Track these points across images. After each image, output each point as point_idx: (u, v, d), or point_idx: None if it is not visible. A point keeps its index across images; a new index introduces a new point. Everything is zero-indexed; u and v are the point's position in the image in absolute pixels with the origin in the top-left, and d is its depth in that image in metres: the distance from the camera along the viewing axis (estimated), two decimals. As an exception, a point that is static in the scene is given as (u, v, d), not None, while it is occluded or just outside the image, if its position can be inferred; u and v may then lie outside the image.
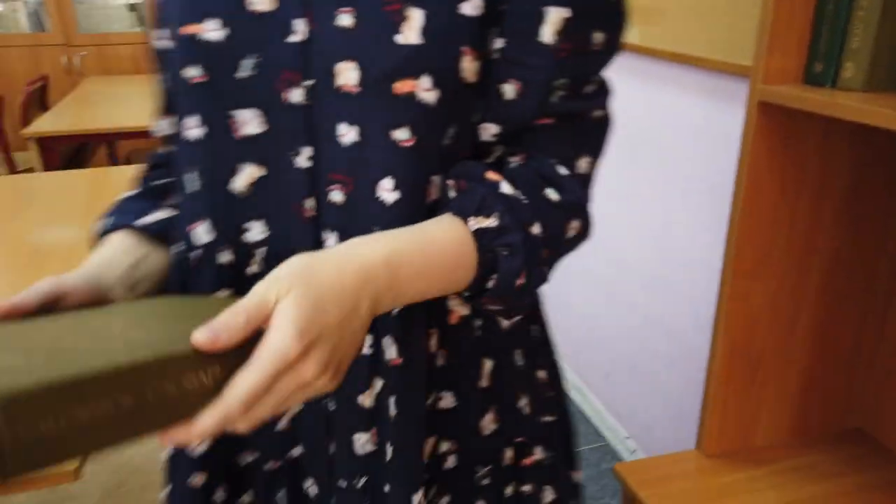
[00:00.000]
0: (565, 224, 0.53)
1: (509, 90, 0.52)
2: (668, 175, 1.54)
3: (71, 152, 2.84)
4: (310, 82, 0.50)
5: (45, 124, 2.40)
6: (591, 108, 0.54)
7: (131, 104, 2.80)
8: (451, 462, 0.61)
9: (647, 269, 1.67)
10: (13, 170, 2.77)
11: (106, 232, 0.59)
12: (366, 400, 0.56)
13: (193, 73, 0.52)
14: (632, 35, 1.56)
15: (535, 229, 0.50)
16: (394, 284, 0.46)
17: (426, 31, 0.48)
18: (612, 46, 0.53)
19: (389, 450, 0.56)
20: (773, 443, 1.10)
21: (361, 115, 0.50)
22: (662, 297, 1.63)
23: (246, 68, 0.50)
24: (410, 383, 0.55)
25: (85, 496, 1.61)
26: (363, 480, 0.58)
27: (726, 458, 1.07)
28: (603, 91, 0.56)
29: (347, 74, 0.49)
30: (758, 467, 1.05)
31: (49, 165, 2.31)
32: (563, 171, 0.53)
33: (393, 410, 0.55)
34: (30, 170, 2.97)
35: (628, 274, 1.75)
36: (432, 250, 0.48)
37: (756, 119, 0.88)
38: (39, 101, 3.24)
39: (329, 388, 0.43)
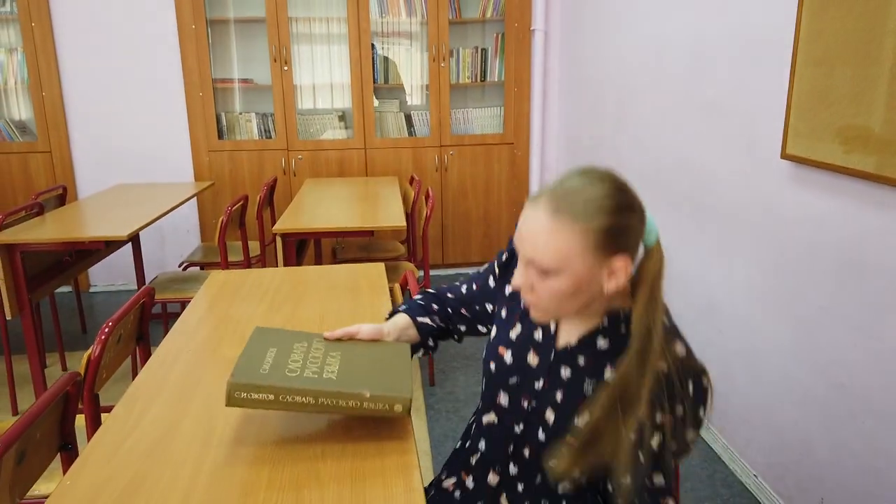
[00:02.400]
0: None
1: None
2: (907, 301, 1.53)
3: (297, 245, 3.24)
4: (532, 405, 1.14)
5: (286, 222, 2.79)
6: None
7: (339, 206, 3.17)
8: None
9: (875, 397, 1.63)
10: (249, 258, 3.20)
11: (398, 311, 1.37)
12: None
13: (492, 365, 1.22)
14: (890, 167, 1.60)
15: None
16: None
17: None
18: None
19: None
20: None
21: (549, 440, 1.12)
22: (898, 425, 1.57)
23: (514, 379, 1.16)
24: None
25: None
26: None
27: None
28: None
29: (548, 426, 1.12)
30: None
31: (287, 252, 2.68)
32: None
33: None
34: (258, 257, 3.41)
35: (849, 399, 1.71)
36: None
37: None
38: (269, 196, 3.74)
39: None
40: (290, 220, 2.81)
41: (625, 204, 0.99)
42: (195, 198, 4.28)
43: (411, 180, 3.83)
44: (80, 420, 1.57)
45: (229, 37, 4.27)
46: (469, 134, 4.42)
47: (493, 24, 4.37)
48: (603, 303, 1.07)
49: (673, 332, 1.03)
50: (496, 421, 1.19)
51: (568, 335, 1.12)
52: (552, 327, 1.14)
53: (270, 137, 4.28)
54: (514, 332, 1.19)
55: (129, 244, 3.52)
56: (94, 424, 1.48)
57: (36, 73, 4.01)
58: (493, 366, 1.19)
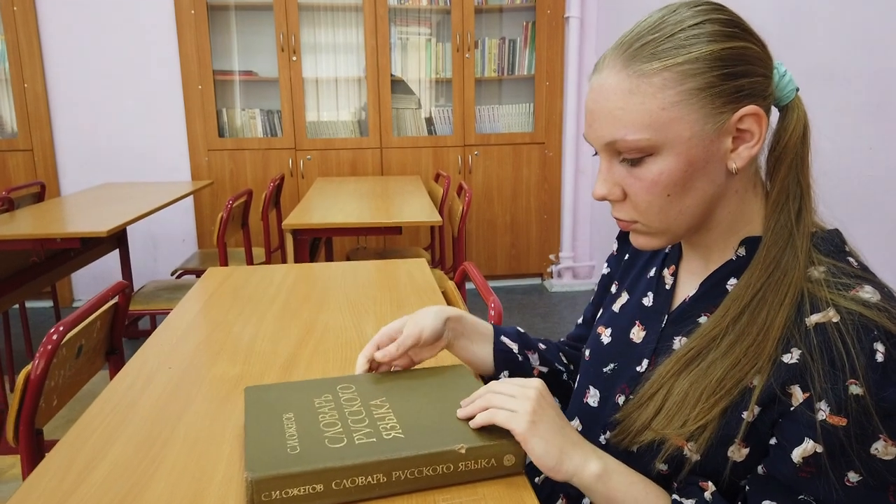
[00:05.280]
0: None
1: (761, 469, 0.64)
2: None
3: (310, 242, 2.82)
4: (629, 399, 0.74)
5: (298, 218, 2.36)
6: None
7: (357, 203, 2.75)
8: None
9: None
10: (252, 263, 2.77)
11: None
12: None
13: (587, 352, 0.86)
14: None
15: None
16: (601, 474, 0.66)
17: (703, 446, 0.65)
18: (867, 488, 0.57)
19: None
20: None
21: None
22: None
23: (611, 367, 0.79)
24: None
25: None
26: None
27: None
28: None
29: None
30: None
31: (298, 252, 2.26)
32: None
33: None
34: (262, 264, 2.98)
35: None
36: (636, 487, 0.67)
37: None
38: (275, 196, 3.32)
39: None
40: (303, 216, 2.38)
41: (733, 22, 0.64)
42: (192, 204, 3.86)
43: (437, 177, 3.41)
44: (16, 466, 1.13)
45: (229, 24, 3.88)
46: (496, 133, 4.01)
47: (523, 12, 3.98)
48: (737, 222, 0.69)
49: (860, 270, 0.64)
50: (579, 428, 0.82)
51: (688, 286, 0.74)
52: (668, 282, 0.76)
53: (276, 135, 3.87)
54: (619, 303, 0.84)
55: (117, 253, 3.09)
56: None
57: (18, 64, 3.61)
58: (587, 354, 0.85)
